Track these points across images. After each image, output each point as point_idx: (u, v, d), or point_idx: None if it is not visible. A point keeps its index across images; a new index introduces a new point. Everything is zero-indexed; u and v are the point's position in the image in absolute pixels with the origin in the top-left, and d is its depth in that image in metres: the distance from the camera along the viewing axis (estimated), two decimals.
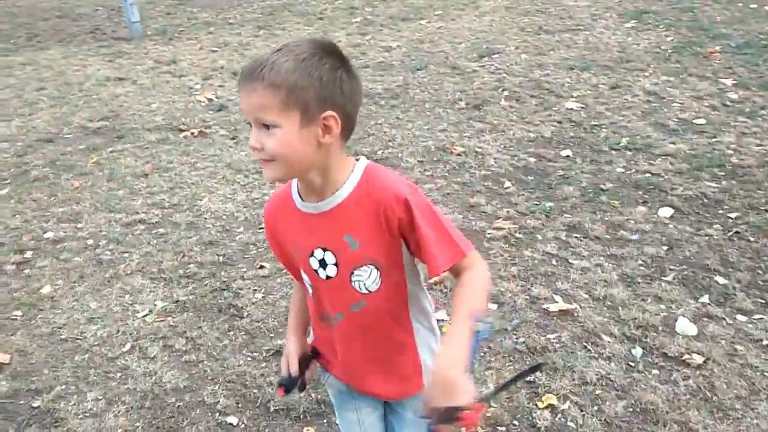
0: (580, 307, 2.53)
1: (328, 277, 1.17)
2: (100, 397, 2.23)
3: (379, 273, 1.15)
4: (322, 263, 1.16)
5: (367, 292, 1.16)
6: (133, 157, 4.21)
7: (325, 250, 1.15)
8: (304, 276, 1.22)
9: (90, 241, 3.22)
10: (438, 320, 1.33)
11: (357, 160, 1.15)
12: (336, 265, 1.15)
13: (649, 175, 3.57)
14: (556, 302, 2.55)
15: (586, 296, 2.59)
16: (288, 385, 1.28)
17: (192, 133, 4.54)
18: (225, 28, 7.92)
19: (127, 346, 2.47)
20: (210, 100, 5.26)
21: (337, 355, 1.27)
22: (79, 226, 3.37)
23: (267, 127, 1.03)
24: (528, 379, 1.24)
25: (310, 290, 1.22)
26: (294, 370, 1.28)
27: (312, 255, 1.16)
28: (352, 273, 1.15)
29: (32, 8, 10.07)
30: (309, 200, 1.15)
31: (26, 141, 4.55)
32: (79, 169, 4.06)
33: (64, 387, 2.28)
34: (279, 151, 1.03)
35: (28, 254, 3.14)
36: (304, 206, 1.15)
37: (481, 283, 1.12)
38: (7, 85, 5.98)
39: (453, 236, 1.11)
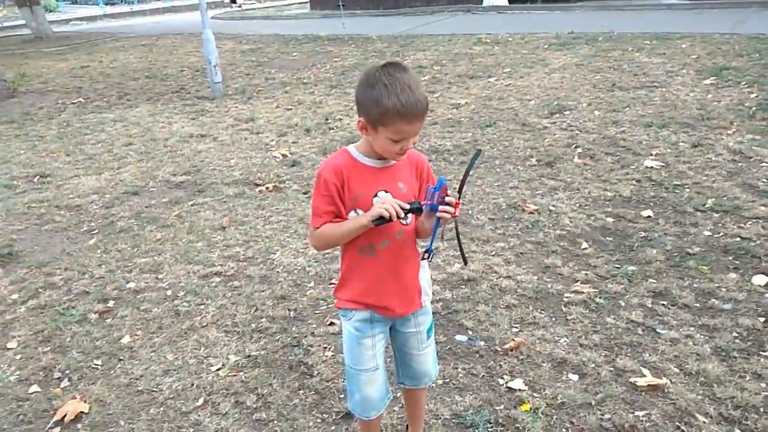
0: (671, 382, 2.35)
1: None
2: None
3: None
4: None
5: (405, 224, 1.72)
6: (212, 210, 4.37)
7: (385, 191, 1.67)
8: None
9: (169, 292, 3.32)
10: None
11: None
12: None
13: (739, 239, 3.36)
14: (644, 376, 2.38)
15: (677, 370, 2.41)
16: (416, 208, 1.63)
17: (267, 188, 4.68)
18: (300, 88, 8.27)
19: (200, 401, 2.48)
20: (284, 156, 5.44)
21: (372, 280, 1.73)
22: (160, 276, 3.49)
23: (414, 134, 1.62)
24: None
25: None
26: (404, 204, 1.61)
27: (376, 195, 1.67)
28: None
29: (124, 69, 10.92)
30: (375, 160, 1.68)
31: (114, 193, 4.83)
32: (162, 221, 4.25)
33: None
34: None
35: (111, 303, 3.26)
36: (373, 163, 1.68)
37: None
38: (99, 140, 6.43)
39: None
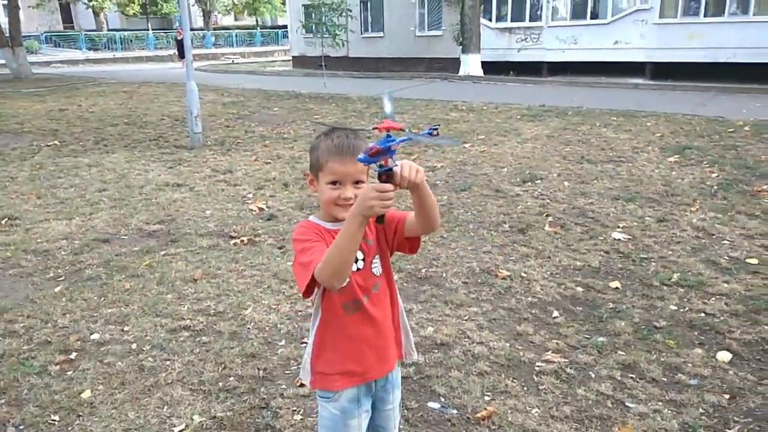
0: None
1: (358, 269, 1.69)
2: None
3: (380, 260, 1.73)
4: (355, 259, 1.63)
5: (378, 274, 1.72)
6: (184, 261, 4.32)
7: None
8: None
9: (134, 346, 3.23)
10: None
11: None
12: (363, 259, 1.69)
13: (703, 315, 3.45)
14: None
15: None
16: (386, 171, 1.48)
17: (242, 241, 4.66)
18: (279, 142, 8.38)
19: None
20: (261, 209, 5.45)
21: (356, 342, 1.69)
22: (126, 329, 3.40)
23: (357, 183, 1.62)
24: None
25: (345, 282, 1.60)
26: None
27: None
28: (371, 262, 1.71)
29: (103, 114, 10.93)
30: (336, 223, 1.65)
31: (84, 240, 4.74)
32: (131, 270, 4.17)
33: None
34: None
35: (73, 355, 3.15)
36: (335, 226, 1.64)
37: None
38: (72, 185, 6.35)
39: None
